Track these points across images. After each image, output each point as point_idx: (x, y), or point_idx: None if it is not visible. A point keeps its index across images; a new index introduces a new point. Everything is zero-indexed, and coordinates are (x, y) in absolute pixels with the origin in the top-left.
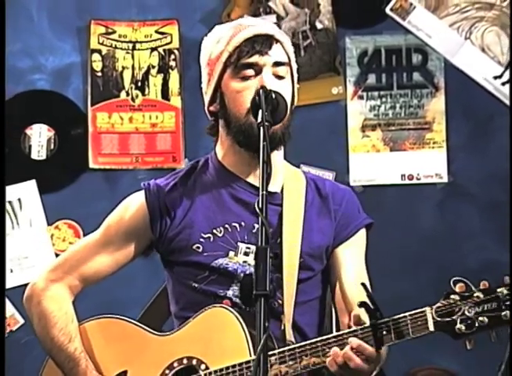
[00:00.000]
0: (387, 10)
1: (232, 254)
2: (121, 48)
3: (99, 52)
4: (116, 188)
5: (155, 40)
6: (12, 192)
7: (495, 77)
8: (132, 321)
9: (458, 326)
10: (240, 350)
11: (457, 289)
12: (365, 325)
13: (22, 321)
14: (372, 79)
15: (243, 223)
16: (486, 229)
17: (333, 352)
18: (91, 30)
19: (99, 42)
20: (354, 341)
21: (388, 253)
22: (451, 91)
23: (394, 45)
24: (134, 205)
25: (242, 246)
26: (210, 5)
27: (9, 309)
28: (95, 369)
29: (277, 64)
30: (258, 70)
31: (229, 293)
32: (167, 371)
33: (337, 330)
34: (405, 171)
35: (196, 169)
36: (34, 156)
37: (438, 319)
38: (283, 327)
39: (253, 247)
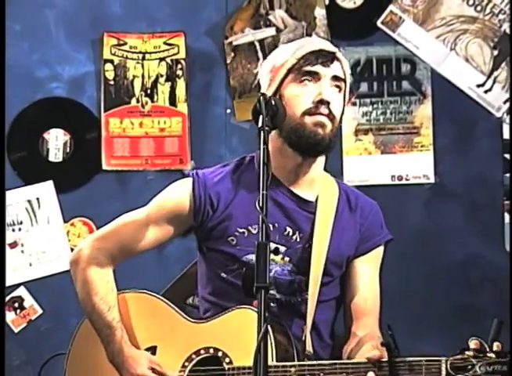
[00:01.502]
0: (378, 23)
1: (278, 248)
2: (132, 59)
3: (112, 62)
4: (127, 188)
5: (163, 51)
6: (31, 192)
7: (479, 86)
8: (168, 302)
9: None
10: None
11: (472, 345)
12: (384, 360)
13: (40, 311)
14: (364, 87)
15: (276, 224)
16: (469, 227)
17: None
18: (104, 41)
19: (111, 53)
20: (370, 374)
21: None
22: (437, 98)
23: (385, 56)
24: (181, 191)
25: (272, 245)
26: (214, 18)
27: (29, 300)
28: (128, 339)
29: (335, 78)
30: (318, 79)
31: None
32: (193, 356)
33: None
34: (395, 173)
35: (243, 165)
36: (52, 158)
37: (451, 371)
38: (304, 338)
39: (282, 248)
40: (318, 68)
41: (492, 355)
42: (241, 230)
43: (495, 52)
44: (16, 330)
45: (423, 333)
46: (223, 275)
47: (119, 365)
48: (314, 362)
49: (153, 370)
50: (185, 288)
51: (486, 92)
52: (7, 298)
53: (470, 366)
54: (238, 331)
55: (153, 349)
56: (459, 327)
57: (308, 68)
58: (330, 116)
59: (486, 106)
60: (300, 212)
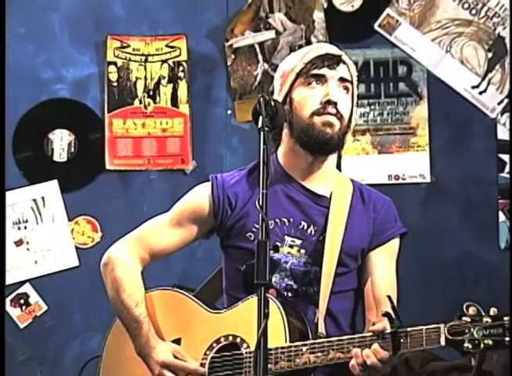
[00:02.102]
0: (376, 26)
1: (278, 245)
2: (135, 61)
3: (115, 64)
4: (130, 187)
5: (165, 53)
6: (37, 191)
7: (473, 87)
8: (190, 296)
9: (466, 344)
10: (278, 336)
11: (470, 312)
12: (386, 332)
13: (45, 308)
14: (362, 89)
15: (291, 219)
16: (465, 225)
17: (354, 352)
18: (108, 44)
19: (114, 55)
20: (374, 346)
21: None
22: (433, 99)
23: (382, 58)
24: (201, 194)
25: (288, 239)
26: (215, 21)
27: (34, 297)
28: (155, 332)
29: (342, 80)
30: (325, 81)
31: (273, 280)
32: (214, 344)
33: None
34: (392, 172)
35: (258, 168)
36: (56, 158)
37: (450, 337)
38: (316, 320)
39: (297, 241)
40: (324, 71)
41: (488, 319)
42: (258, 226)
43: (490, 55)
44: (21, 326)
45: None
46: (243, 269)
47: (146, 356)
48: (323, 339)
49: (176, 358)
50: (217, 288)
51: (481, 93)
52: (13, 295)
53: (467, 331)
54: (254, 318)
55: (177, 341)
56: None
57: (315, 71)
58: (338, 115)
59: (481, 108)
60: (314, 207)
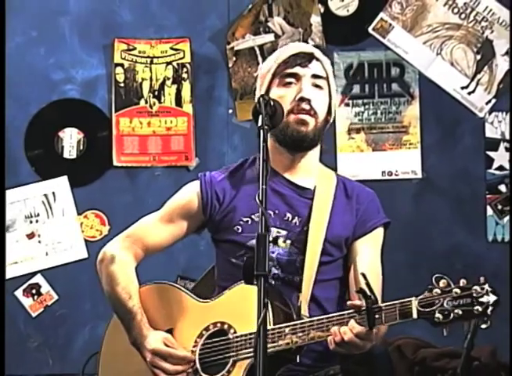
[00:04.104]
0: (370, 30)
1: (277, 237)
2: (141, 63)
3: (122, 65)
4: (136, 183)
5: (170, 55)
6: (47, 186)
7: (463, 88)
8: (182, 288)
9: (437, 315)
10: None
11: (440, 284)
12: (362, 308)
13: (56, 297)
14: (356, 89)
15: (276, 211)
16: (454, 218)
17: (333, 330)
18: (115, 47)
19: (121, 57)
20: (351, 322)
21: None
22: (424, 99)
23: (376, 60)
24: (191, 191)
25: (273, 230)
26: (217, 25)
27: (46, 287)
28: (148, 323)
29: (315, 76)
30: (298, 79)
31: None
32: (204, 332)
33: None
34: (385, 169)
35: (245, 165)
36: (66, 155)
37: (421, 309)
38: (299, 304)
39: (283, 232)
40: (297, 69)
41: (458, 290)
42: (245, 219)
43: (478, 57)
44: (33, 315)
45: None
46: (233, 260)
47: (139, 345)
48: (304, 320)
49: (167, 345)
50: (213, 282)
51: (470, 93)
52: (25, 285)
53: (437, 302)
54: (240, 304)
55: (170, 332)
56: None
57: (289, 70)
58: (312, 112)
59: (470, 107)
60: (298, 199)
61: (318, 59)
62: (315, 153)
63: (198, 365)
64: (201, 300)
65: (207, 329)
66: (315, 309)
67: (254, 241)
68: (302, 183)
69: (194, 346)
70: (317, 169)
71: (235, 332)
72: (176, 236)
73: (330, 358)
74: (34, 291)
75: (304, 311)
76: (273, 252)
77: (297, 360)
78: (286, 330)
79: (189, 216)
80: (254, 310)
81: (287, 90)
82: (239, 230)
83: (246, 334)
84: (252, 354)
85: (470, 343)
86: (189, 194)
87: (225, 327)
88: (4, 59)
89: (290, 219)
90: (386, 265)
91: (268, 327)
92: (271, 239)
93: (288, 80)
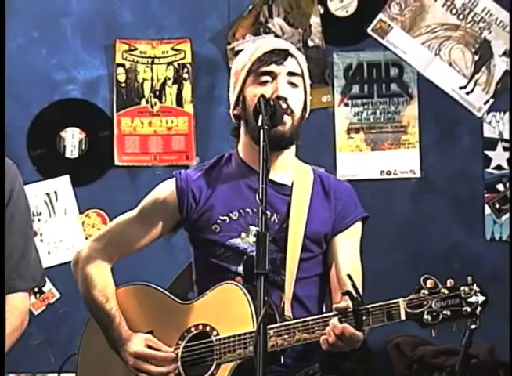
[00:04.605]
0: (369, 30)
1: (243, 235)
2: (142, 63)
3: (123, 66)
4: (137, 182)
5: (171, 56)
6: (50, 185)
7: (461, 88)
8: (160, 289)
9: (425, 317)
10: (245, 321)
11: (427, 285)
12: (349, 309)
13: (58, 295)
14: (356, 89)
15: (254, 209)
16: (453, 218)
17: (327, 331)
18: (117, 47)
19: (123, 58)
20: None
21: (369, 238)
22: (423, 99)
23: (375, 60)
24: (166, 190)
25: (252, 228)
26: (217, 26)
27: (48, 285)
28: (127, 325)
29: (291, 74)
30: (274, 77)
31: (240, 268)
32: (185, 334)
33: (330, 305)
34: (384, 168)
35: (220, 162)
36: (68, 155)
37: (409, 310)
38: (282, 304)
39: None
40: (272, 67)
41: (445, 291)
42: (223, 218)
43: (476, 57)
44: (36, 313)
45: None
46: (212, 260)
47: (119, 349)
48: (289, 322)
49: (150, 347)
50: (188, 281)
51: (468, 93)
52: None
53: (425, 303)
54: (222, 306)
55: (150, 334)
56: None
57: (264, 68)
58: (288, 111)
59: (468, 107)
60: (276, 195)
61: (293, 56)
62: (291, 150)
63: (180, 368)
64: (181, 301)
65: (188, 331)
66: (298, 308)
67: (233, 240)
68: (279, 180)
69: (176, 349)
70: (293, 165)
71: (217, 334)
72: (152, 236)
73: (310, 357)
74: (36, 289)
75: (288, 311)
76: (253, 251)
77: (281, 361)
78: (271, 332)
79: (165, 215)
80: (237, 311)
81: (263, 89)
82: (218, 230)
83: (229, 336)
84: (235, 357)
85: (468, 341)
86: (165, 193)
87: (208, 329)
88: (4, 59)
89: (268, 217)
90: (383, 264)
91: (252, 329)
92: (250, 237)
93: (264, 78)
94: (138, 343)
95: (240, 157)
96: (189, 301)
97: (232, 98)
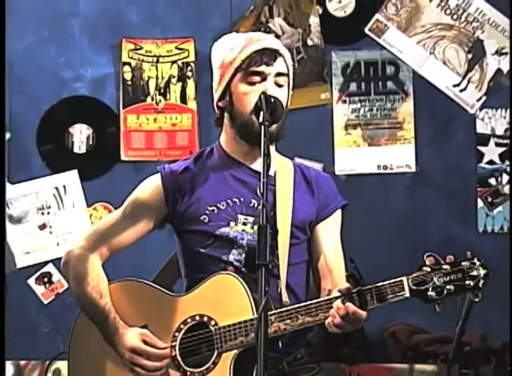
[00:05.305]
0: (366, 30)
1: (232, 224)
2: (147, 62)
3: (129, 64)
4: (143, 176)
5: (175, 54)
6: (58, 180)
7: (455, 85)
8: (152, 284)
9: (430, 293)
10: (244, 310)
11: (428, 262)
12: (353, 291)
13: (66, 285)
14: (353, 87)
15: (242, 199)
16: (447, 211)
17: (331, 313)
18: (123, 46)
19: (129, 57)
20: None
21: (365, 231)
22: (418, 96)
23: (372, 59)
24: (151, 185)
25: (241, 217)
26: (220, 26)
27: (57, 276)
28: (121, 321)
29: (279, 74)
30: (263, 77)
31: (230, 257)
32: (181, 326)
33: (317, 292)
34: (381, 163)
35: (203, 155)
36: (76, 150)
37: (413, 287)
38: (279, 290)
39: (250, 218)
40: (263, 68)
41: (447, 266)
42: (211, 208)
43: (470, 56)
44: (45, 302)
45: (407, 306)
46: (201, 250)
47: (114, 343)
48: (290, 307)
49: (145, 341)
50: (172, 274)
51: (461, 91)
52: (37, 274)
53: (429, 280)
54: (218, 295)
55: (145, 328)
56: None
57: (254, 68)
58: None
59: (461, 104)
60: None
61: (281, 55)
62: (272, 144)
63: (180, 359)
64: (174, 294)
65: (184, 323)
66: (289, 296)
67: (222, 229)
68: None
69: (173, 341)
70: (275, 157)
71: (216, 324)
72: (141, 232)
73: (297, 342)
74: (45, 280)
75: (285, 297)
76: (243, 239)
77: (280, 346)
78: (272, 318)
79: (153, 211)
80: (235, 301)
81: (252, 88)
82: (206, 220)
83: (229, 324)
84: (237, 345)
85: (461, 329)
86: (151, 189)
87: (205, 319)
88: (4, 59)
89: (255, 206)
90: (380, 257)
91: (252, 317)
92: (239, 226)
93: (253, 78)
94: (134, 337)
95: (224, 150)
96: (182, 294)
97: (218, 90)
